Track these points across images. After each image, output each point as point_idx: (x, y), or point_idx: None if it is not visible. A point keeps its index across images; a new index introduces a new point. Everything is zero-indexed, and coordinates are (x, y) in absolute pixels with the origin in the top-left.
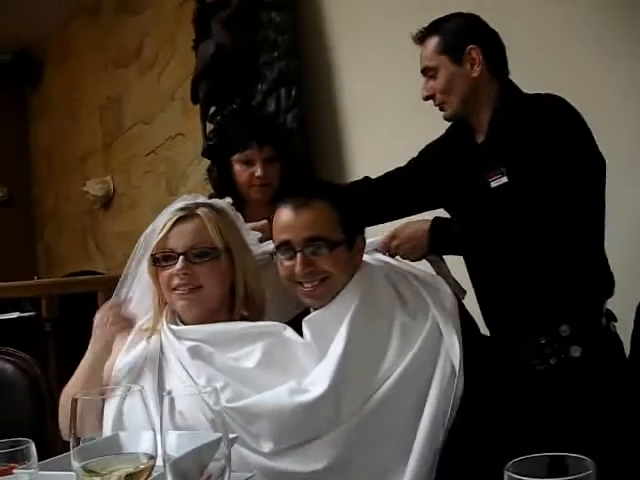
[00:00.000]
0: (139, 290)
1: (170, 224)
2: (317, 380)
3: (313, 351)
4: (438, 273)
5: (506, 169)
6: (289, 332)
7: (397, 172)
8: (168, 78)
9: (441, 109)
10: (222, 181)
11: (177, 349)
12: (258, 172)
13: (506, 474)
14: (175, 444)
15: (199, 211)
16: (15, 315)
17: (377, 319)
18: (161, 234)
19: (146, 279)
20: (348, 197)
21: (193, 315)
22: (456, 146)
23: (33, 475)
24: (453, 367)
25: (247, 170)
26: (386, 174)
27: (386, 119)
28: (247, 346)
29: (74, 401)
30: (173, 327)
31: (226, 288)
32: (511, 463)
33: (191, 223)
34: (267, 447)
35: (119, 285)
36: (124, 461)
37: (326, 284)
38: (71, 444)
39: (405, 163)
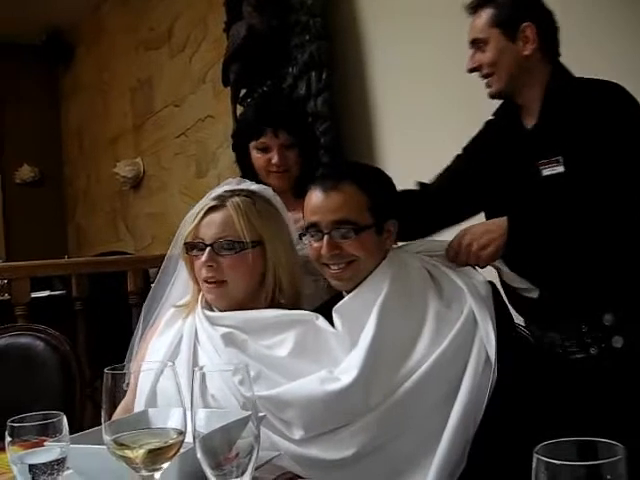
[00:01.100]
0: (184, 270)
1: (202, 213)
2: (347, 368)
3: (344, 339)
4: (502, 279)
5: (563, 158)
6: (321, 321)
7: (448, 173)
8: (199, 60)
9: (487, 85)
10: (242, 167)
11: (211, 335)
12: (274, 159)
13: (535, 457)
14: (204, 421)
15: (230, 201)
16: (46, 294)
17: (410, 305)
18: (194, 222)
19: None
20: (378, 181)
21: (221, 307)
22: (503, 130)
23: (64, 448)
24: (488, 356)
25: (264, 156)
26: (439, 177)
27: (417, 105)
28: (280, 334)
29: (106, 375)
30: (207, 312)
31: (255, 280)
32: (540, 446)
33: (220, 214)
34: (298, 434)
35: (165, 264)
36: (153, 436)
37: (352, 267)
38: (103, 418)
39: (451, 160)
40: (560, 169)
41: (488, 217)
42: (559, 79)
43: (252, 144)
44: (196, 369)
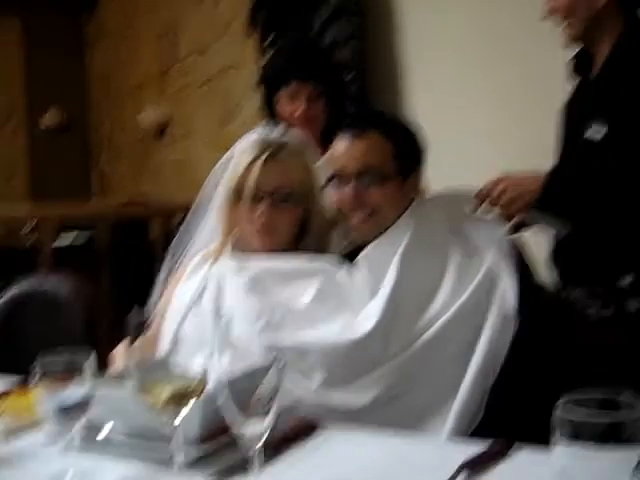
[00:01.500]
0: (213, 217)
1: (260, 162)
2: (367, 317)
3: (365, 289)
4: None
5: (609, 117)
6: (344, 271)
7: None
8: (225, 7)
9: (562, 31)
10: (269, 115)
11: (235, 282)
12: (300, 109)
13: (556, 411)
14: (227, 366)
15: (287, 151)
16: (70, 239)
17: (431, 256)
18: (252, 169)
19: (217, 208)
20: (405, 130)
21: (265, 251)
22: (577, 79)
23: (90, 387)
24: (508, 309)
25: (291, 106)
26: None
27: (445, 59)
28: (302, 283)
29: (131, 318)
30: (232, 260)
31: (298, 226)
32: (562, 401)
33: (279, 163)
34: (317, 382)
35: (192, 210)
36: (176, 380)
37: (374, 219)
38: (127, 361)
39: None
40: (603, 132)
41: None
42: (632, 33)
43: (279, 92)
44: (220, 315)
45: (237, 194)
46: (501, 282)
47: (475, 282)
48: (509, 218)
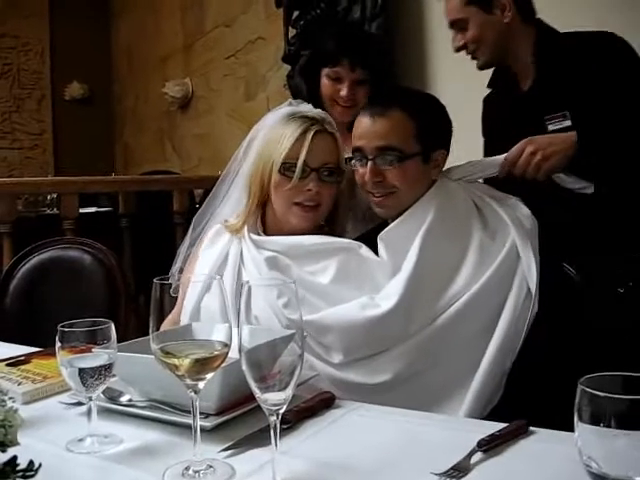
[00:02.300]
0: (237, 190)
1: (309, 136)
2: (388, 295)
3: (387, 267)
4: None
5: (569, 112)
6: (364, 249)
7: None
8: None
9: (473, 58)
10: (308, 90)
11: (255, 258)
12: (343, 91)
13: (580, 388)
14: (249, 337)
15: (330, 127)
16: (93, 210)
17: (453, 235)
18: (302, 143)
19: (244, 180)
20: (429, 108)
21: (303, 229)
22: (501, 100)
23: (112, 354)
24: (529, 289)
25: (334, 86)
26: None
27: None
28: (323, 261)
29: (155, 285)
30: (254, 236)
31: (333, 204)
32: (585, 378)
33: (325, 140)
34: (337, 358)
35: (219, 182)
36: (199, 347)
37: (393, 198)
38: (150, 328)
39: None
40: (567, 123)
41: None
42: (547, 37)
43: (325, 71)
44: (244, 282)
45: (284, 169)
46: (522, 262)
47: (497, 262)
48: (538, 180)
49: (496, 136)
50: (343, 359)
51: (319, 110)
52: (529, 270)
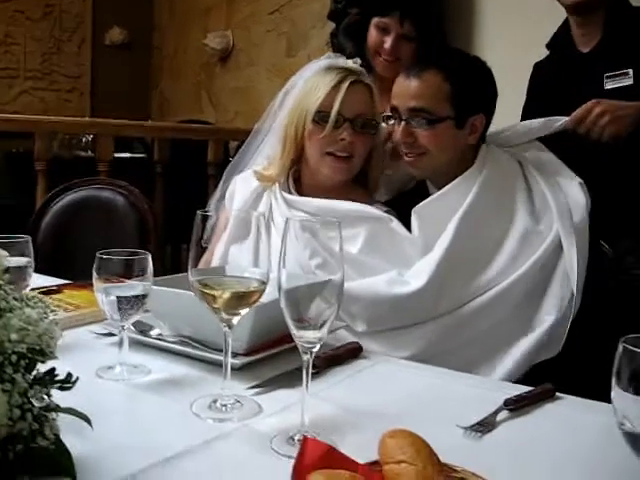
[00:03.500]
0: (270, 142)
1: (345, 86)
2: (418, 273)
3: (419, 243)
4: None
5: (633, 70)
6: (395, 223)
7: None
8: None
9: None
10: (353, 47)
11: (286, 217)
12: (387, 44)
13: (620, 346)
14: (286, 279)
15: (366, 79)
16: (127, 155)
17: (495, 218)
18: (337, 93)
19: (279, 132)
20: (470, 71)
21: (334, 182)
22: (555, 60)
23: (147, 285)
24: (570, 285)
25: (380, 37)
26: None
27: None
28: (352, 229)
29: (197, 218)
30: (286, 195)
31: (366, 157)
32: (626, 337)
33: (361, 91)
34: (360, 327)
35: (252, 134)
36: (237, 282)
37: (425, 159)
38: (191, 254)
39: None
40: (628, 81)
41: None
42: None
43: (374, 20)
44: (289, 219)
45: (317, 118)
46: (566, 254)
47: (535, 255)
48: (603, 141)
49: (548, 98)
50: (366, 329)
51: (357, 63)
52: (571, 265)
